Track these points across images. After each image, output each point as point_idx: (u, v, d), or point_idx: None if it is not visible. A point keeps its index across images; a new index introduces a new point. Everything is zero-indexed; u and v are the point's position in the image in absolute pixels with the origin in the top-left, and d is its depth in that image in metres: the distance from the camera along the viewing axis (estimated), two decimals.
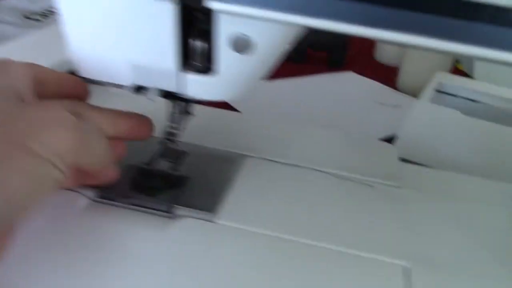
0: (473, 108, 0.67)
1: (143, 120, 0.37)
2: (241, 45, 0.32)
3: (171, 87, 0.35)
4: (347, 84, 0.85)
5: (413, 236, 0.36)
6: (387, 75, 0.90)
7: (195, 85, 0.35)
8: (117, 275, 0.31)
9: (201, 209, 0.36)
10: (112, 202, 0.37)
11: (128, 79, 0.35)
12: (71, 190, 0.37)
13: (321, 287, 0.32)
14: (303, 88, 0.81)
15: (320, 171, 0.43)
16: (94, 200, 0.37)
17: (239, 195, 0.38)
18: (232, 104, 0.69)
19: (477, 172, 0.51)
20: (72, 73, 0.36)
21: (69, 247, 0.32)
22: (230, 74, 0.34)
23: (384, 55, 0.96)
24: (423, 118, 0.60)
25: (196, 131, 0.46)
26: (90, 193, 0.37)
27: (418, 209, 0.40)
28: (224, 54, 0.32)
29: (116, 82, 0.36)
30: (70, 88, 0.34)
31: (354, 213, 0.38)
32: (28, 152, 0.26)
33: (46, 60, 0.41)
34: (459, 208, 0.40)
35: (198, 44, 0.33)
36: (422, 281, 0.33)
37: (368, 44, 1.06)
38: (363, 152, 0.47)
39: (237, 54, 0.32)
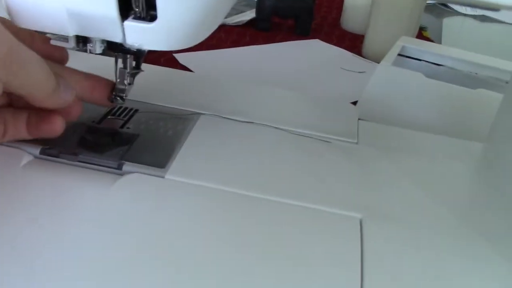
0: (437, 71, 0.67)
1: (103, 82, 0.36)
2: None
3: (113, 37, 0.34)
4: (313, 52, 0.84)
5: (367, 190, 0.36)
6: (353, 42, 0.90)
7: (137, 34, 0.33)
8: (62, 233, 0.29)
9: (151, 165, 0.35)
10: (57, 159, 0.35)
11: (66, 29, 0.33)
12: (13, 147, 0.35)
13: (272, 240, 0.31)
14: (268, 55, 0.80)
15: (276, 127, 0.42)
16: (37, 157, 0.35)
17: (190, 152, 0.37)
18: (191, 68, 0.68)
19: (436, 132, 0.51)
20: None
21: (9, 204, 0.31)
22: (172, 20, 0.32)
23: (349, 23, 0.96)
24: (384, 80, 0.60)
25: (147, 89, 0.44)
26: (33, 149, 0.35)
27: (375, 164, 0.39)
28: None
29: (54, 32, 0.34)
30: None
31: (308, 168, 0.37)
32: None
33: None
34: (416, 164, 0.40)
35: None
36: (373, 231, 0.32)
37: (334, 12, 1.05)
38: (323, 111, 0.46)
39: None
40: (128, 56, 0.38)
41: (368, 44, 0.84)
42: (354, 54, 0.84)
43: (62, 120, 0.34)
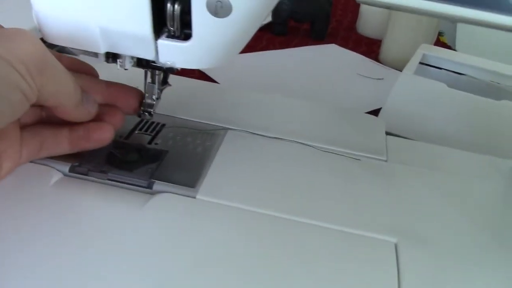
0: (458, 80, 0.66)
1: (133, 91, 0.36)
2: (217, 8, 0.30)
3: (145, 55, 0.33)
4: (330, 57, 0.83)
5: (400, 212, 0.35)
6: (369, 47, 0.89)
7: (170, 52, 0.33)
8: (93, 254, 0.29)
9: (181, 184, 0.34)
10: (87, 177, 0.35)
11: (98, 46, 0.33)
12: (42, 164, 0.34)
13: (306, 264, 0.30)
14: (285, 60, 0.80)
15: (304, 144, 0.41)
16: (66, 175, 0.35)
17: (220, 170, 0.37)
18: (211, 76, 0.67)
19: (463, 146, 0.50)
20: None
21: (39, 224, 0.30)
22: (206, 39, 0.32)
23: (366, 28, 0.95)
24: (407, 91, 0.59)
25: (174, 102, 0.44)
26: (62, 167, 0.35)
27: (406, 183, 0.39)
28: (200, 18, 0.30)
29: (85, 49, 0.33)
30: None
31: (340, 188, 0.37)
32: None
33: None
34: (447, 183, 0.39)
35: (173, 7, 0.31)
36: (409, 257, 0.31)
37: (349, 16, 1.04)
38: (349, 125, 0.46)
39: (214, 17, 0.30)
40: (157, 71, 0.37)
41: (386, 50, 0.83)
42: (372, 60, 0.83)
43: (112, 128, 0.35)
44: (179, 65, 0.33)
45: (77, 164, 0.35)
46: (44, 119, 0.35)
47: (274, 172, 0.38)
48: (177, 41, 0.32)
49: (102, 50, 0.33)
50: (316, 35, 0.89)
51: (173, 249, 0.30)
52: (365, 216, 0.35)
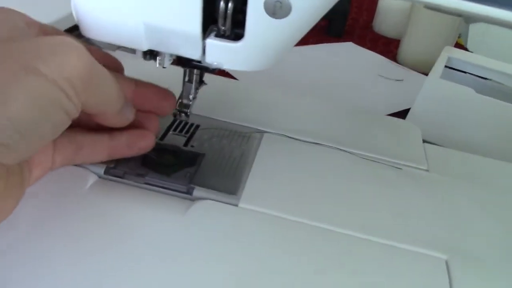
0: (484, 86, 0.65)
1: (165, 93, 0.34)
2: (276, 8, 0.28)
3: (190, 54, 0.31)
4: (348, 56, 0.81)
5: (448, 226, 0.34)
6: (386, 47, 0.87)
7: (218, 52, 0.31)
8: (133, 260, 0.27)
9: (222, 191, 0.33)
10: (122, 180, 0.33)
11: (141, 43, 0.31)
12: (79, 166, 0.33)
13: (353, 279, 0.29)
14: (303, 57, 0.78)
15: (343, 150, 0.40)
16: (101, 177, 0.33)
17: (260, 176, 0.35)
18: (230, 72, 0.65)
19: (493, 155, 0.49)
20: (71, 30, 0.32)
21: (78, 229, 0.29)
22: (259, 40, 0.30)
23: (383, 26, 0.93)
24: (434, 95, 0.57)
25: (206, 102, 0.42)
26: (98, 169, 0.33)
27: (449, 195, 0.37)
28: (255, 17, 0.29)
29: (127, 46, 0.32)
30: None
31: (384, 199, 0.35)
32: (35, 72, 0.23)
33: (44, 16, 0.36)
34: (491, 195, 0.38)
35: (226, 5, 0.29)
36: (462, 275, 0.30)
37: (365, 14, 1.03)
38: (386, 131, 0.44)
39: (271, 18, 0.28)
40: (195, 70, 0.36)
41: (405, 50, 0.82)
42: (390, 60, 0.81)
43: (154, 136, 0.33)
44: (226, 66, 0.31)
45: (112, 166, 0.33)
46: (80, 122, 0.33)
47: (316, 180, 0.36)
48: (227, 41, 0.30)
49: (145, 47, 0.31)
50: (333, 32, 0.87)
51: (216, 258, 0.29)
52: (412, 230, 0.33)
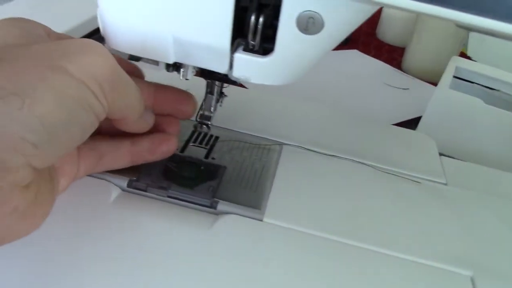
0: (492, 96, 0.65)
1: (186, 96, 0.34)
2: (309, 24, 0.28)
3: (217, 67, 0.31)
4: (354, 64, 0.82)
5: (471, 241, 0.34)
6: (391, 55, 0.88)
7: (246, 66, 0.30)
8: (159, 276, 0.27)
9: (245, 205, 0.33)
10: (145, 193, 0.33)
11: (168, 56, 0.31)
12: (99, 178, 0.32)
13: None
14: None
15: (363, 163, 0.40)
16: (125, 190, 0.33)
17: (282, 190, 0.35)
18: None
19: (504, 165, 0.49)
20: (89, 36, 0.32)
21: (102, 243, 0.28)
22: (289, 56, 0.30)
23: (387, 34, 0.94)
24: (444, 106, 0.57)
25: (224, 113, 0.42)
26: (120, 181, 0.33)
27: (470, 210, 0.37)
28: (286, 33, 0.28)
29: (154, 58, 0.31)
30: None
31: (406, 213, 0.35)
32: (64, 72, 0.22)
33: (65, 21, 0.36)
34: (509, 208, 0.38)
35: (257, 20, 0.29)
36: None
37: (369, 21, 1.03)
38: (402, 143, 0.44)
39: (303, 34, 0.28)
40: (217, 82, 0.36)
41: (410, 59, 0.82)
42: (396, 69, 0.82)
43: (177, 140, 0.33)
44: (253, 80, 0.31)
45: (135, 179, 0.33)
46: (101, 129, 0.32)
47: (337, 194, 0.36)
48: (256, 56, 0.30)
49: (172, 60, 0.31)
50: None
51: (241, 274, 0.28)
52: (436, 245, 0.33)
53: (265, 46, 0.30)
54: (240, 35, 0.30)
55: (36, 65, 0.22)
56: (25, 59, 0.22)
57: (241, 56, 0.30)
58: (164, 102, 0.34)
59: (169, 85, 0.34)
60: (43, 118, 0.21)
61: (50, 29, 0.29)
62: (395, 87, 0.75)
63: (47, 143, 0.22)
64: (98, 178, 0.32)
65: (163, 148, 0.32)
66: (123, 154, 0.32)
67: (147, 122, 0.32)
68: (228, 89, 0.37)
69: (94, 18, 0.50)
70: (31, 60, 0.22)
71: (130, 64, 0.34)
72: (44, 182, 0.26)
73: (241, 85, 0.62)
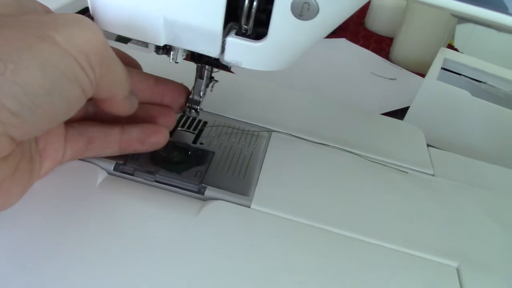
0: (478, 88, 0.66)
1: (182, 89, 0.33)
2: (304, 9, 0.27)
3: (209, 51, 0.30)
4: (342, 52, 0.81)
5: (457, 233, 0.34)
6: (379, 44, 0.88)
7: (238, 51, 0.30)
8: (145, 261, 0.27)
9: (233, 191, 0.32)
10: (132, 177, 0.32)
11: (159, 38, 0.30)
12: (86, 161, 0.32)
13: (367, 284, 0.29)
14: None
15: (351, 152, 0.39)
16: (111, 174, 0.32)
17: (271, 177, 0.35)
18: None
19: (489, 156, 0.50)
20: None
21: (88, 227, 0.28)
22: (282, 41, 0.29)
23: (375, 24, 0.94)
24: (431, 97, 0.58)
25: (213, 98, 0.41)
26: (107, 165, 0.32)
27: (457, 201, 0.37)
28: (280, 18, 0.28)
29: (144, 40, 0.31)
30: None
31: (393, 204, 0.35)
32: (52, 42, 0.22)
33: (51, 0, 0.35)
34: (496, 201, 0.39)
35: (251, 3, 0.28)
36: (473, 283, 0.30)
37: (359, 11, 1.03)
38: (391, 134, 0.44)
39: (297, 19, 0.28)
40: (207, 67, 0.35)
41: (398, 49, 0.82)
42: (383, 59, 0.82)
43: (168, 132, 0.32)
44: (245, 65, 0.31)
45: (122, 162, 0.32)
46: (91, 115, 0.32)
47: (325, 183, 0.36)
48: (248, 40, 0.29)
49: (162, 42, 0.30)
50: None
51: (229, 260, 0.28)
52: (423, 236, 0.33)
53: (258, 30, 0.30)
54: (234, 19, 0.30)
55: (24, 33, 0.22)
56: (14, 27, 0.22)
57: (233, 40, 0.29)
58: (163, 95, 0.33)
59: (167, 78, 0.34)
60: (25, 86, 0.21)
61: (48, 8, 0.28)
62: (382, 77, 0.75)
63: (27, 113, 0.21)
64: (85, 161, 0.32)
65: (153, 139, 0.32)
66: (112, 142, 0.31)
67: (133, 104, 0.31)
68: (218, 74, 0.37)
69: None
70: (20, 29, 0.22)
71: (126, 55, 0.33)
72: (24, 160, 0.25)
73: (229, 70, 0.61)
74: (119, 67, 0.27)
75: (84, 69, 0.23)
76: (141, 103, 0.32)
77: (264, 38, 0.29)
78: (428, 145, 0.45)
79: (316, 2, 0.27)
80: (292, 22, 0.28)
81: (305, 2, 0.27)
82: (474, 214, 0.36)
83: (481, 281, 0.31)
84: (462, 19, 0.29)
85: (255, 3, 0.28)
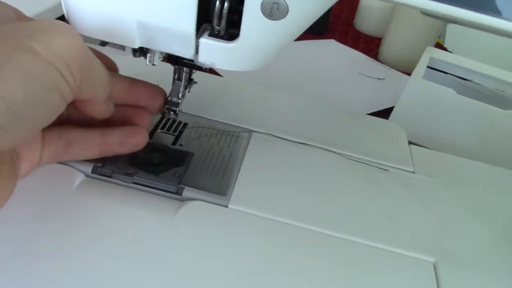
0: (464, 86, 0.66)
1: (158, 91, 0.33)
2: (273, 9, 0.28)
3: (183, 53, 0.31)
4: (330, 53, 0.82)
5: (435, 229, 0.34)
6: (367, 45, 0.88)
7: (211, 52, 0.30)
8: (123, 263, 0.27)
9: (211, 191, 0.33)
10: (110, 179, 0.32)
11: (133, 41, 0.30)
12: (63, 164, 0.32)
13: (343, 281, 0.29)
14: (285, 53, 0.78)
15: (332, 151, 0.40)
16: (89, 176, 0.32)
17: (249, 177, 0.35)
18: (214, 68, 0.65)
19: (473, 154, 0.50)
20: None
21: (66, 230, 0.28)
22: (254, 41, 0.30)
23: (364, 24, 0.94)
24: (416, 96, 0.58)
25: (194, 100, 0.42)
26: (85, 167, 0.32)
27: (436, 198, 0.38)
28: (251, 18, 0.28)
29: (119, 43, 0.31)
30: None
31: (372, 201, 0.36)
32: (31, 52, 0.22)
33: (29, 7, 0.35)
34: (475, 197, 0.39)
35: (222, 4, 0.28)
36: (449, 278, 0.31)
37: (346, 10, 1.03)
38: (372, 132, 0.44)
39: (267, 19, 0.28)
40: (185, 69, 0.35)
41: (386, 49, 0.82)
42: (372, 59, 0.82)
43: (147, 133, 0.33)
44: (219, 66, 0.31)
45: (100, 165, 0.33)
46: (71, 119, 0.32)
47: (304, 182, 0.36)
48: (221, 41, 0.30)
49: (137, 45, 0.30)
50: (316, 29, 0.87)
51: (205, 260, 0.28)
52: (400, 232, 0.34)
53: (231, 31, 0.30)
54: (207, 20, 0.30)
55: (2, 45, 0.22)
56: None
57: (206, 42, 0.30)
58: (138, 97, 0.34)
59: (143, 80, 0.34)
60: (8, 99, 0.21)
61: (20, 11, 0.28)
62: (371, 77, 0.76)
63: (11, 124, 0.22)
64: (62, 163, 0.32)
65: (133, 140, 0.32)
66: (92, 144, 0.31)
67: (110, 108, 0.31)
68: (199, 76, 0.37)
69: (59, 5, 0.49)
70: None
71: (104, 56, 0.33)
72: (6, 165, 0.25)
73: (214, 72, 0.61)
74: (99, 70, 0.27)
75: (64, 77, 0.23)
76: (117, 105, 0.32)
77: (236, 39, 0.29)
78: (411, 143, 0.45)
79: (286, 2, 0.27)
80: (263, 22, 0.28)
81: (275, 2, 0.27)
82: (453, 210, 0.37)
83: (457, 276, 0.31)
84: (453, 23, 0.30)
85: (226, 4, 0.28)
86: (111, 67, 0.34)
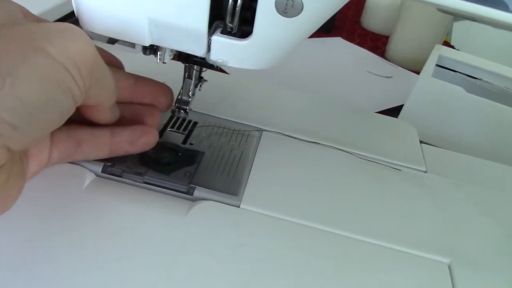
0: (474, 85, 0.65)
1: (164, 89, 0.33)
2: (288, 7, 0.27)
3: (194, 50, 0.30)
4: (337, 51, 0.81)
5: (449, 229, 0.34)
6: (375, 43, 0.87)
7: (224, 50, 0.30)
8: (135, 264, 0.27)
9: (222, 191, 0.32)
10: (121, 179, 0.32)
11: (144, 38, 0.30)
12: (74, 163, 0.32)
13: (357, 283, 0.29)
14: (292, 51, 0.77)
15: (344, 151, 0.39)
16: (99, 176, 0.32)
17: (261, 176, 0.35)
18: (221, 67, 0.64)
19: (483, 152, 0.49)
20: (63, 20, 0.31)
21: (77, 230, 0.28)
22: (267, 39, 0.29)
23: (371, 22, 0.93)
24: (426, 94, 0.57)
25: (204, 98, 0.41)
26: (95, 167, 0.32)
27: (449, 197, 0.37)
28: (265, 15, 0.28)
29: (130, 41, 0.30)
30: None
31: (385, 201, 0.35)
32: (46, 54, 0.22)
33: (36, 4, 0.35)
34: (490, 198, 0.38)
35: (235, 1, 0.28)
36: (465, 279, 0.30)
37: (353, 8, 1.02)
38: (383, 131, 0.44)
39: (281, 16, 0.28)
40: (195, 66, 0.35)
41: (394, 47, 0.82)
42: (379, 57, 0.81)
43: (157, 132, 0.32)
44: (231, 64, 0.31)
45: (110, 164, 0.32)
46: (80, 119, 0.32)
47: (316, 181, 0.36)
48: (234, 39, 0.29)
49: (148, 42, 0.30)
50: (323, 27, 0.86)
51: (217, 260, 0.28)
52: (415, 232, 0.33)
53: (244, 29, 0.30)
54: (219, 18, 0.30)
55: (18, 45, 0.22)
56: (8, 39, 0.22)
57: (218, 39, 0.29)
58: (143, 94, 0.33)
59: (148, 78, 0.34)
60: (24, 99, 0.21)
61: (27, 10, 0.28)
62: (378, 75, 0.75)
63: (25, 125, 0.22)
64: (72, 163, 0.32)
65: (143, 139, 0.31)
66: (101, 144, 0.31)
67: (115, 114, 0.31)
68: (208, 74, 0.37)
69: (62, 5, 0.49)
70: (13, 41, 0.22)
71: (110, 55, 0.33)
72: (16, 164, 0.25)
73: (221, 70, 0.61)
74: (107, 78, 0.27)
75: (76, 80, 0.24)
76: (127, 104, 0.32)
77: (249, 37, 0.29)
78: (421, 142, 0.44)
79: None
80: (277, 19, 0.28)
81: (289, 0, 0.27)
82: (466, 210, 0.36)
83: (473, 277, 0.31)
84: (458, 16, 0.29)
85: (239, 1, 0.28)
86: (116, 64, 0.34)
